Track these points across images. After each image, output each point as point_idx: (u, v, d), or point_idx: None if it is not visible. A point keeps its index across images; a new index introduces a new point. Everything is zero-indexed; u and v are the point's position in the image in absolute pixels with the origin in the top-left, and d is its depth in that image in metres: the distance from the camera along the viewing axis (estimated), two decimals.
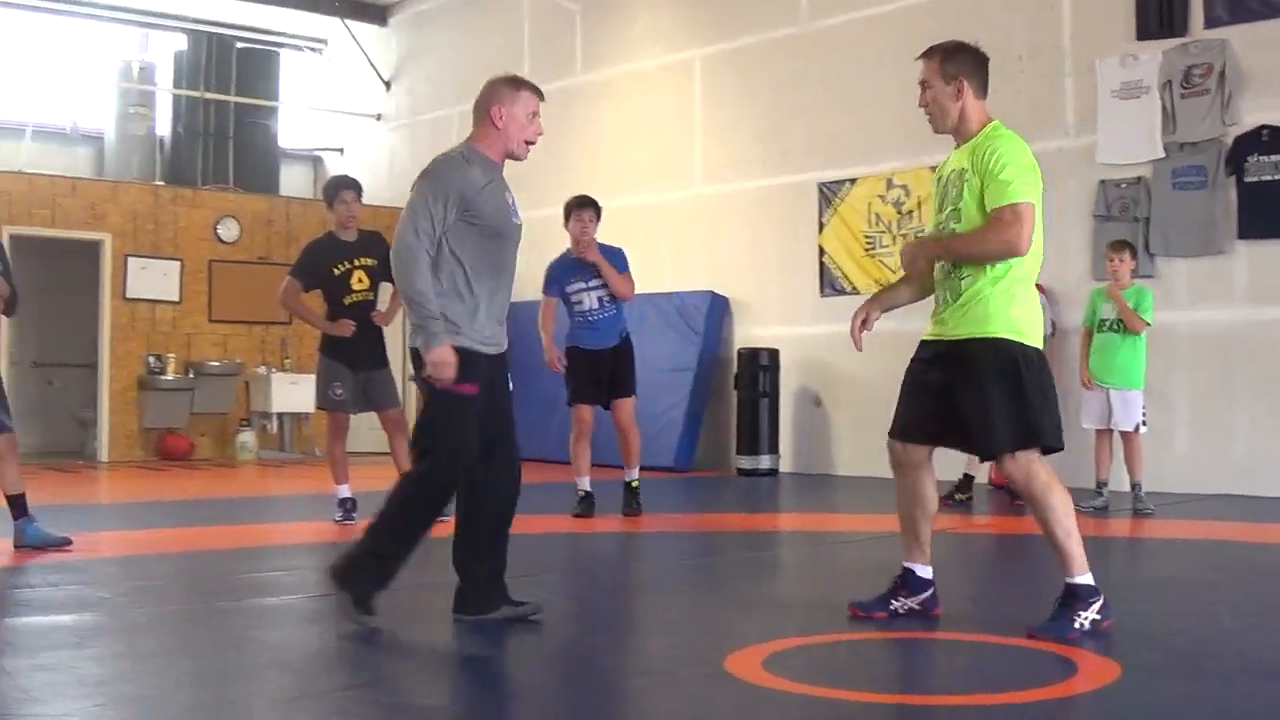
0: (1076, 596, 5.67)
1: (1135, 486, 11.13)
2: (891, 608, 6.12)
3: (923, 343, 6.06)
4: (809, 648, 5.56)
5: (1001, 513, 11.44)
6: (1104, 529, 10.39)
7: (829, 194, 15.78)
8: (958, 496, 11.71)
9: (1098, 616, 5.65)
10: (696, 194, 17.20)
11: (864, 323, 6.17)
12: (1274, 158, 12.39)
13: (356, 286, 10.40)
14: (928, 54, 6.17)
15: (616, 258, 10.94)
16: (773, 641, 5.60)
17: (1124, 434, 11.24)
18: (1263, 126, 12.50)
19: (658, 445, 14.93)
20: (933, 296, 6.13)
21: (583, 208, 10.91)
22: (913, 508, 6.16)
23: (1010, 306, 5.71)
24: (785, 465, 15.95)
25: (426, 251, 5.96)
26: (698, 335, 16.32)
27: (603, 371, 10.84)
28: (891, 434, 6.21)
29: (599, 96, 18.56)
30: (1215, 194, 12.72)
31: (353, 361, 10.33)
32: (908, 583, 6.20)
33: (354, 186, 10.61)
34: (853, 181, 15.55)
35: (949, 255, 5.85)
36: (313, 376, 10.90)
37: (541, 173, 18.83)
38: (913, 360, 6.11)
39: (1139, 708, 4.69)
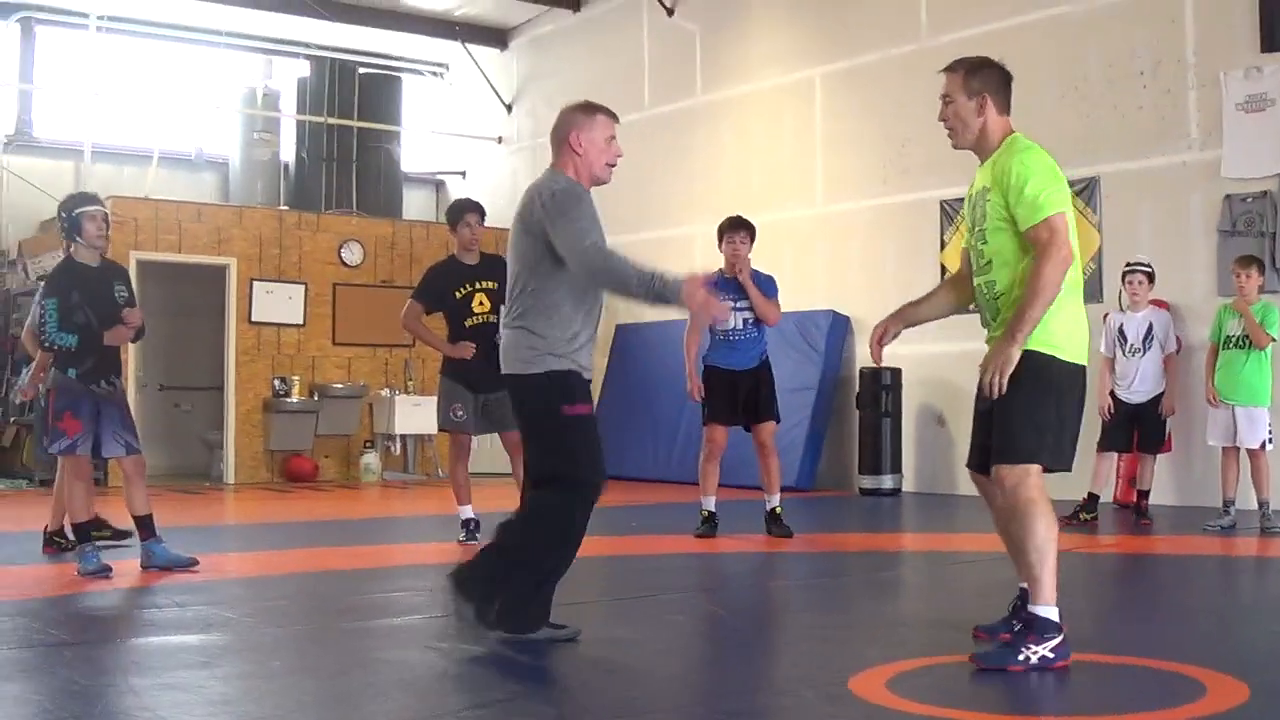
0: (1032, 628, 5.45)
1: (1263, 504, 11.00)
2: (1015, 629, 6.07)
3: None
4: (933, 668, 5.55)
5: (1127, 532, 11.33)
6: (1231, 548, 10.28)
7: (950, 211, 15.69)
8: (1083, 516, 11.61)
9: (1050, 655, 5.37)
10: (817, 213, 17.18)
11: (881, 338, 6.08)
12: None
13: (478, 309, 10.47)
14: (951, 68, 6.02)
15: (768, 285, 10.95)
16: (897, 662, 5.59)
17: (1250, 451, 11.13)
18: None
19: (781, 464, 14.93)
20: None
21: (735, 229, 10.95)
22: (1009, 532, 6.06)
23: (1049, 320, 5.54)
24: (908, 485, 15.88)
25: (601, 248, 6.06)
26: (819, 354, 16.30)
27: (740, 393, 10.83)
28: (968, 464, 6.12)
29: (719, 117, 18.60)
30: None
31: (474, 383, 10.39)
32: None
33: (477, 209, 10.71)
34: None
35: (1023, 333, 5.55)
36: (434, 399, 10.98)
37: (664, 194, 18.97)
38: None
39: None
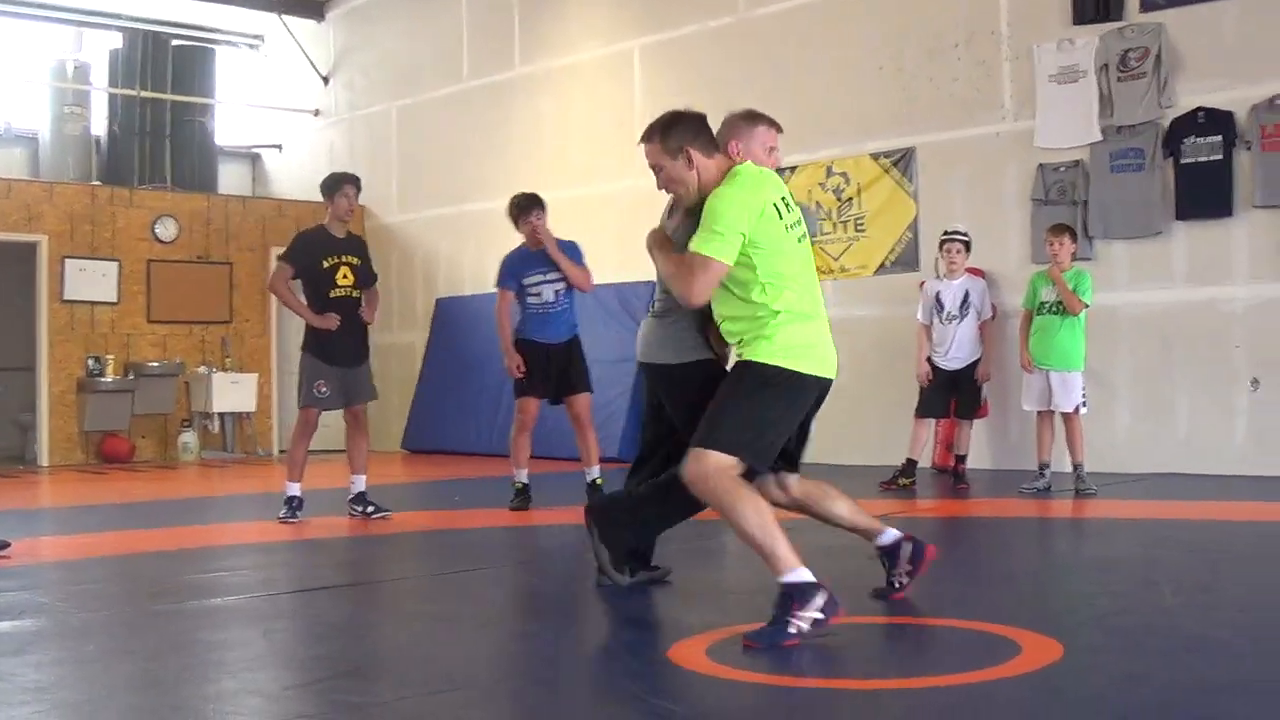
0: (790, 598, 5.34)
1: (1077, 467, 11.20)
2: (896, 584, 6.31)
3: None
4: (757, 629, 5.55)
5: (945, 496, 11.48)
6: (1047, 510, 10.45)
7: None
8: (901, 481, 11.76)
9: (819, 615, 5.29)
10: (637, 185, 17.13)
11: None
12: (1210, 139, 12.45)
13: (341, 281, 10.45)
14: (645, 138, 6.03)
15: (574, 252, 10.96)
16: (717, 630, 5.59)
17: (1065, 415, 11.32)
18: (1199, 108, 12.57)
19: (602, 436, 14.81)
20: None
21: (531, 207, 10.91)
22: (810, 512, 6.39)
23: (774, 335, 5.67)
24: None
25: None
26: (637, 325, 16.30)
27: (554, 366, 10.83)
28: None
29: (538, 89, 18.52)
30: (1153, 176, 12.79)
31: (337, 357, 10.41)
32: (887, 556, 6.34)
33: (355, 181, 10.69)
34: (792, 169, 15.56)
35: (660, 257, 6.00)
36: (254, 376, 10.88)
37: (481, 166, 18.85)
38: None
39: (1081, 687, 4.71)
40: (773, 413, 5.65)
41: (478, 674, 5.21)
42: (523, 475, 10.91)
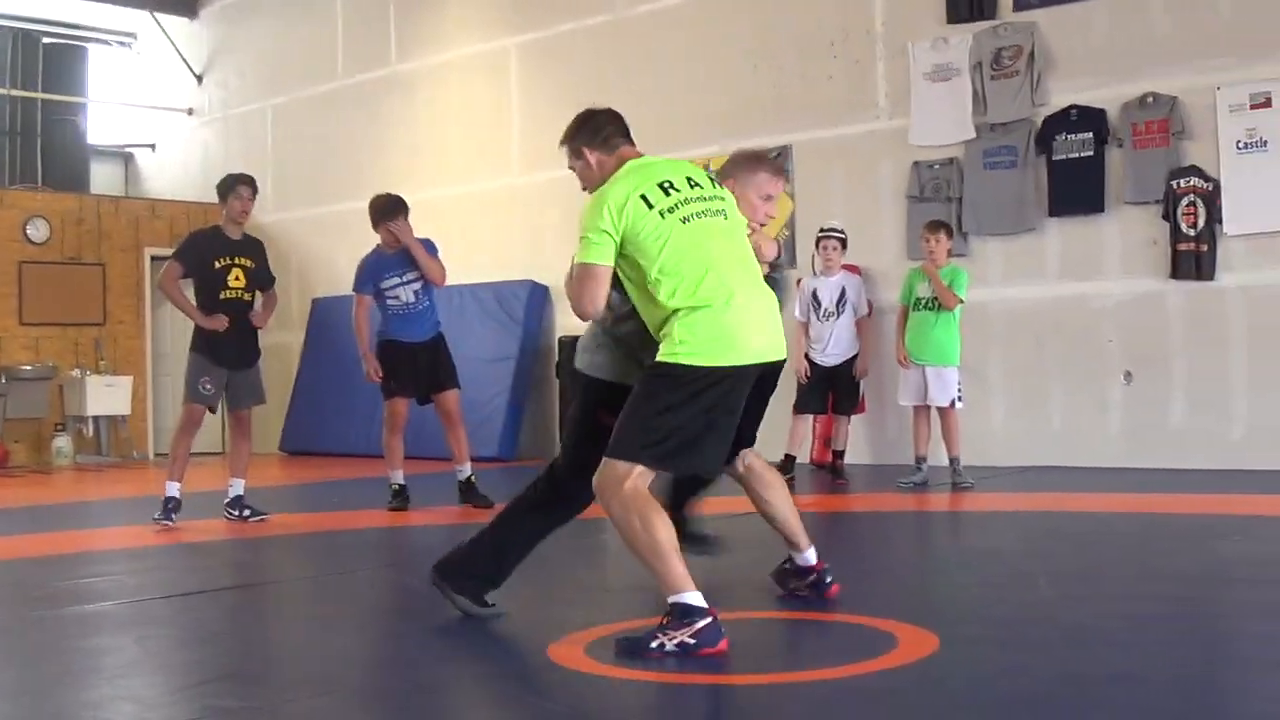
0: (673, 615, 5.13)
1: (953, 461, 11.31)
2: (784, 587, 6.37)
3: None
4: (632, 631, 5.55)
5: (824, 491, 11.55)
6: (924, 503, 10.54)
7: None
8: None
9: (692, 640, 5.01)
10: (514, 183, 17.14)
11: None
12: (1082, 136, 12.61)
13: (233, 283, 10.40)
14: (561, 142, 5.89)
15: (430, 249, 10.96)
16: (596, 627, 5.60)
17: (941, 410, 11.41)
18: (1071, 106, 12.74)
19: (481, 435, 14.86)
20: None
21: (397, 212, 10.88)
22: (750, 493, 6.34)
23: (672, 330, 5.33)
24: None
25: None
26: (518, 325, 16.27)
27: (420, 365, 10.81)
28: None
29: (415, 87, 18.41)
30: (1025, 173, 12.94)
31: (225, 359, 10.35)
32: (796, 573, 6.33)
33: (250, 183, 10.63)
34: None
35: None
36: (128, 379, 10.77)
37: (358, 165, 18.72)
38: None
39: (957, 678, 4.76)
40: (674, 414, 5.25)
41: (357, 676, 5.18)
42: (399, 476, 10.87)
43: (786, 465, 11.85)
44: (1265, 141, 11.99)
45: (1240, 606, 5.89)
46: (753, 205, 6.27)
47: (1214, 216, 12.13)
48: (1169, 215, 12.23)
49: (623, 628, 5.51)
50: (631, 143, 5.79)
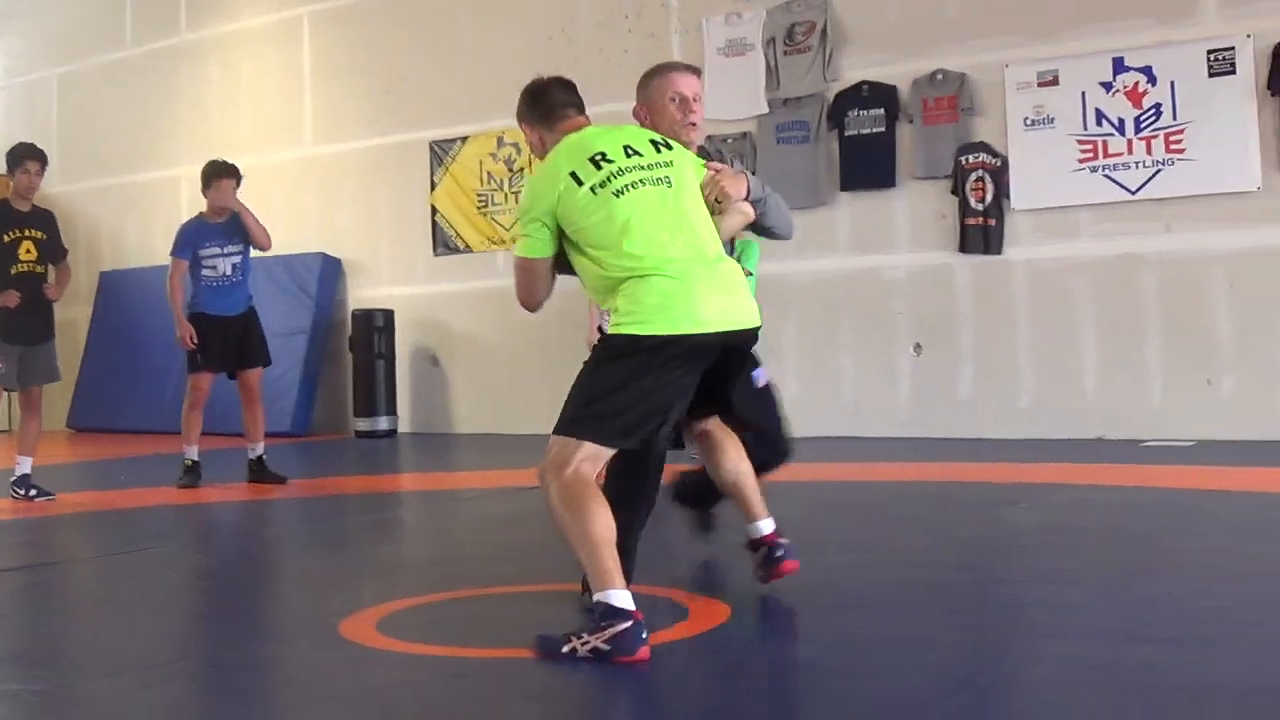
0: (593, 614, 4.69)
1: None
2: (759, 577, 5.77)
3: None
4: (424, 607, 5.51)
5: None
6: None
7: (440, 153, 15.71)
8: None
9: (604, 646, 4.51)
10: (307, 154, 16.93)
11: None
12: (873, 112, 12.78)
13: (24, 256, 10.09)
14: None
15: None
16: (389, 603, 5.54)
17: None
18: (863, 82, 12.90)
19: (274, 410, 14.68)
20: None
21: (230, 174, 10.69)
22: (703, 454, 5.87)
23: (616, 302, 5.01)
24: (404, 426, 15.89)
25: None
26: (310, 298, 16.09)
27: (231, 339, 10.61)
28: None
29: (206, 56, 18.10)
30: (818, 148, 13.09)
31: (17, 335, 10.05)
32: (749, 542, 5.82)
33: (37, 156, 10.27)
34: (464, 140, 15.52)
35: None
36: None
37: (146, 135, 18.37)
38: None
39: (747, 646, 4.79)
40: (614, 385, 4.93)
41: (148, 656, 5.06)
42: (193, 452, 10.67)
43: None
44: (1052, 119, 12.26)
45: (1026, 573, 5.99)
46: (669, 115, 5.69)
47: (1002, 192, 12.39)
48: (958, 190, 12.45)
49: (416, 603, 5.47)
50: (580, 112, 5.50)
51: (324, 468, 12.84)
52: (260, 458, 10.68)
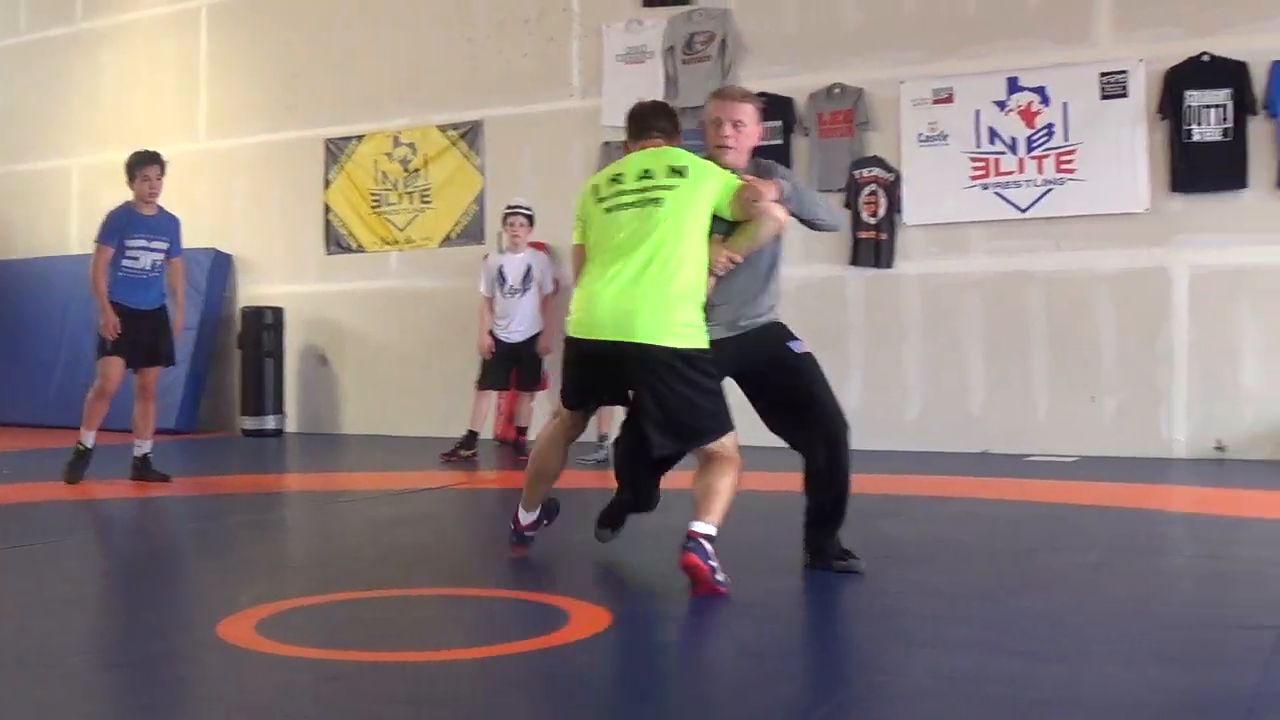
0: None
1: (604, 438, 11.41)
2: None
3: None
4: (305, 609, 5.49)
5: (508, 468, 11.56)
6: (604, 480, 10.55)
7: (336, 151, 15.63)
8: (462, 453, 11.81)
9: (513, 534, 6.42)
10: (200, 148, 16.77)
11: None
12: (770, 124, 12.80)
13: None
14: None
15: (174, 225, 10.76)
16: (269, 604, 5.50)
17: None
18: (761, 94, 12.88)
19: (160, 407, 14.41)
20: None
21: (149, 164, 10.53)
22: None
23: None
24: (291, 425, 15.78)
25: None
26: (200, 294, 15.90)
27: (144, 333, 10.38)
28: None
29: (100, 45, 17.87)
30: None
31: None
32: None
33: None
34: (360, 138, 15.45)
35: None
36: None
37: (38, 125, 18.14)
38: None
39: (627, 653, 4.81)
40: (566, 370, 6.45)
41: (34, 654, 5.00)
42: (90, 439, 10.45)
43: (469, 441, 11.86)
44: (945, 135, 12.37)
45: (903, 584, 6.05)
46: (710, 136, 6.74)
47: (894, 206, 12.49)
48: (851, 203, 12.53)
49: (297, 605, 5.45)
50: (667, 136, 6.82)
51: (209, 466, 12.73)
52: (146, 456, 10.56)
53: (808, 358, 6.32)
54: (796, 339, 6.37)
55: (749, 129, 6.61)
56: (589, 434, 11.91)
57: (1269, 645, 4.65)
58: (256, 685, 4.39)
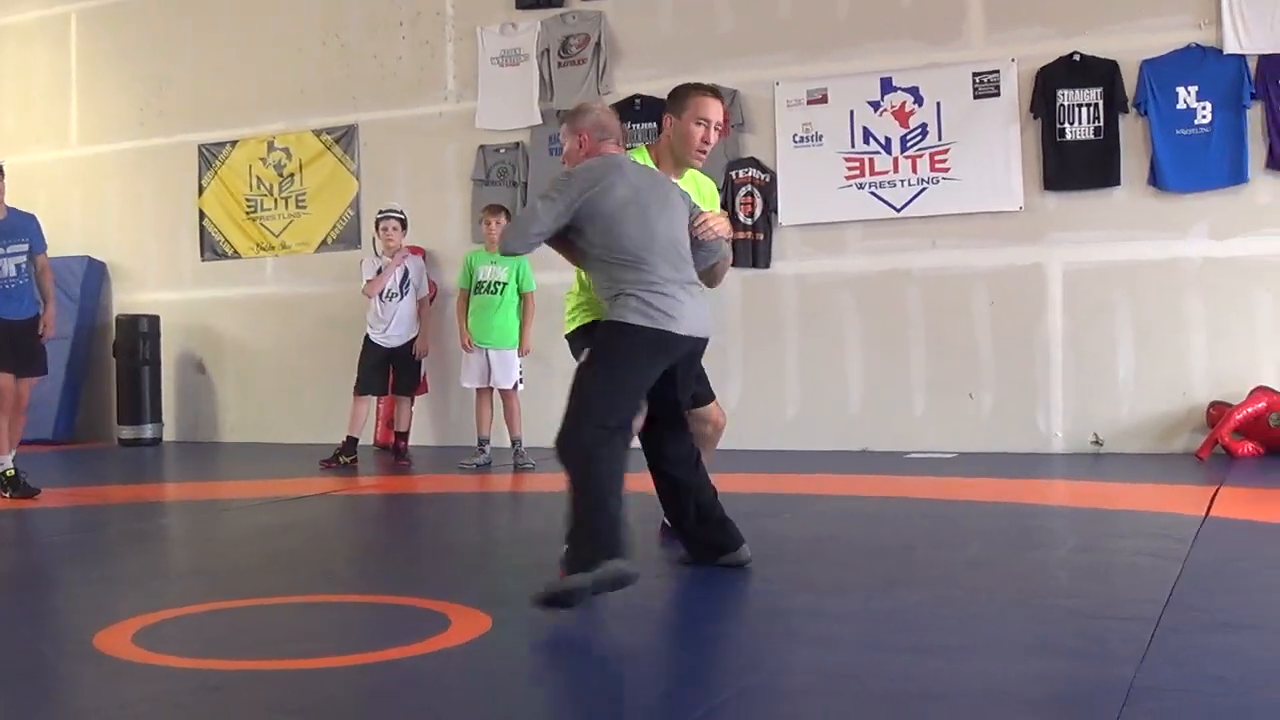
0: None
1: (516, 442, 11.45)
2: None
3: None
4: (183, 618, 5.44)
5: (387, 473, 11.52)
6: (486, 485, 10.60)
7: (209, 156, 15.50)
8: (342, 459, 11.74)
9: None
10: (72, 155, 16.56)
11: None
12: (645, 126, 12.85)
13: None
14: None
15: (34, 225, 10.45)
16: (147, 614, 5.44)
17: (503, 392, 11.55)
18: (636, 96, 12.99)
19: (35, 417, 14.24)
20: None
21: None
22: None
23: None
24: (169, 434, 15.61)
25: None
26: (74, 302, 15.72)
27: (17, 344, 10.08)
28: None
29: None
30: None
31: None
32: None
33: None
34: (234, 144, 15.33)
35: None
36: None
37: None
38: None
39: (506, 657, 4.80)
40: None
41: None
42: (8, 460, 10.14)
43: (348, 447, 11.80)
44: (820, 136, 12.47)
45: (785, 582, 6.07)
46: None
47: (770, 207, 12.56)
48: (727, 204, 12.57)
49: (175, 614, 5.39)
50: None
51: (85, 476, 12.56)
52: (4, 473, 10.18)
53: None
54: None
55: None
56: (470, 437, 11.94)
57: (1145, 635, 4.72)
58: (134, 696, 4.34)
